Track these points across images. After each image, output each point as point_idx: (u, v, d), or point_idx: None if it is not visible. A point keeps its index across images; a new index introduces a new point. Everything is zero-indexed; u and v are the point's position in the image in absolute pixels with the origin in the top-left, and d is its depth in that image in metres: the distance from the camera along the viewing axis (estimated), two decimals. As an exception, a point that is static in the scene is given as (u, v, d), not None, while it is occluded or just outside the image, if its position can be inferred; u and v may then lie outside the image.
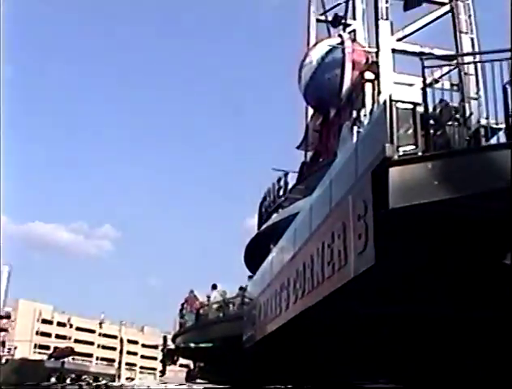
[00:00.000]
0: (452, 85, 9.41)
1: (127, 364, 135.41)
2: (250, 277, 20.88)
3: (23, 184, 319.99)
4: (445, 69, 11.75)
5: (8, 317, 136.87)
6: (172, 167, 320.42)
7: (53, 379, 73.63)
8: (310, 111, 30.25)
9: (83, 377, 77.55)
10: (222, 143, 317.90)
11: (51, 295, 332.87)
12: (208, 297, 23.35)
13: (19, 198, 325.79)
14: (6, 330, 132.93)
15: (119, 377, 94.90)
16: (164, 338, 30.43)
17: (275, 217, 25.03)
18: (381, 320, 10.31)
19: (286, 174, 26.58)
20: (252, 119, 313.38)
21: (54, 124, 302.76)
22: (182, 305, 25.91)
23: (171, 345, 28.38)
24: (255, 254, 23.19)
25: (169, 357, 28.67)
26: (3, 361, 78.76)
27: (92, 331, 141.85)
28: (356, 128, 14.37)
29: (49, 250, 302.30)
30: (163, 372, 35.72)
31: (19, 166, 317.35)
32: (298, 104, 31.21)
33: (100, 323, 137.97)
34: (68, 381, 75.15)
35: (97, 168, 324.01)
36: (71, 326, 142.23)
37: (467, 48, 24.51)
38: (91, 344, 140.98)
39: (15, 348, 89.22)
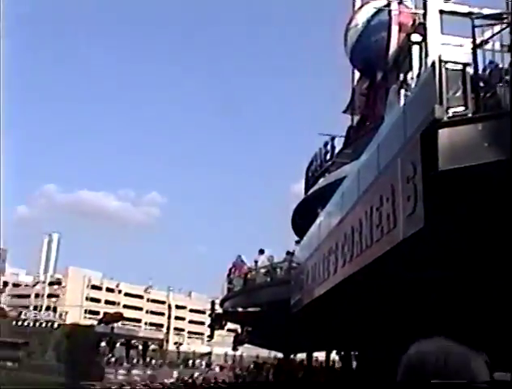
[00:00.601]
0: (502, 46, 9.20)
1: (175, 329, 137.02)
2: (298, 242, 20.91)
3: (72, 153, 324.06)
4: (496, 29, 11.51)
5: (59, 283, 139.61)
6: (216, 136, 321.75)
7: (103, 344, 74.85)
8: (357, 75, 29.98)
9: (133, 342, 78.63)
10: (266, 110, 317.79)
11: (100, 262, 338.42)
12: (256, 262, 23.40)
13: (67, 167, 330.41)
14: (57, 296, 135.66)
15: (167, 342, 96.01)
16: (212, 303, 30.59)
17: (322, 182, 24.93)
18: (429, 284, 10.26)
19: (333, 139, 26.42)
20: (298, 83, 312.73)
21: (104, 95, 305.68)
22: (230, 270, 26.04)
23: (219, 310, 28.58)
24: (302, 219, 23.19)
25: (217, 322, 28.88)
26: (55, 326, 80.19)
27: (141, 297, 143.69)
28: (403, 91, 14.20)
29: (98, 217, 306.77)
30: (211, 336, 36.02)
31: (67, 135, 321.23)
32: (344, 68, 30.98)
33: (148, 289, 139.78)
34: (118, 345, 76.33)
35: (143, 137, 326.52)
36: (120, 292, 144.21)
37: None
38: (140, 309, 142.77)
39: (66, 313, 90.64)
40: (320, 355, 32.63)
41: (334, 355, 30.89)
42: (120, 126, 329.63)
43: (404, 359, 1.60)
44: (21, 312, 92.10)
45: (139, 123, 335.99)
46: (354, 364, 24.37)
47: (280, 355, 35.69)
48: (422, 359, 1.54)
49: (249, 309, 21.50)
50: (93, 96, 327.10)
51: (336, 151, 25.60)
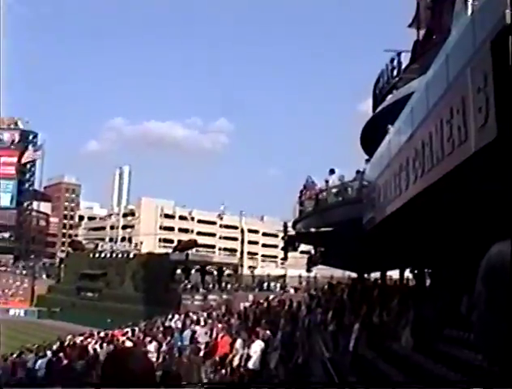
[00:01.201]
0: None
1: (249, 253, 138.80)
2: (367, 160, 20.77)
3: (137, 84, 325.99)
4: None
5: (132, 214, 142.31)
6: (282, 59, 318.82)
7: (178, 271, 76.29)
8: (422, -14, 29.16)
9: (207, 267, 79.96)
10: (331, 28, 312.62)
11: (171, 191, 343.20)
12: (326, 182, 23.35)
13: (133, 100, 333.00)
14: (131, 226, 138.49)
15: (242, 266, 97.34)
16: (285, 225, 30.70)
17: (389, 99, 24.57)
18: (503, 197, 10.11)
19: (399, 54, 25.87)
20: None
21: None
22: (301, 191, 26.07)
23: (291, 232, 28.70)
24: (372, 137, 22.98)
25: (290, 244, 29.07)
26: (131, 256, 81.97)
27: (213, 223, 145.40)
28: (470, 0, 13.76)
29: (166, 147, 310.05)
30: (284, 259, 36.36)
31: (132, 68, 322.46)
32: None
33: (221, 215, 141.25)
34: (193, 272, 77.72)
35: (209, 63, 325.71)
36: (193, 219, 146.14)
37: None
38: (213, 235, 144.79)
39: (141, 243, 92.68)
40: (394, 273, 32.70)
41: (407, 273, 30.95)
42: (184, 53, 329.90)
43: (484, 260, 1.59)
44: (97, 244, 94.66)
45: (204, 50, 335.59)
46: (428, 281, 24.39)
47: (354, 275, 35.86)
48: (503, 259, 1.53)
49: (322, 230, 21.58)
50: (153, 26, 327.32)
51: (403, 66, 25.11)
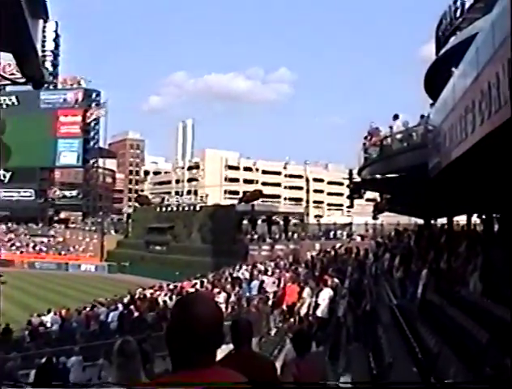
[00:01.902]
0: None
1: (314, 202, 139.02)
2: (432, 105, 20.39)
3: (197, 37, 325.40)
4: None
5: (197, 167, 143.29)
6: (343, 4, 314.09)
7: (244, 222, 76.71)
8: None
9: (273, 217, 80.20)
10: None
11: (235, 142, 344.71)
12: (391, 128, 23.01)
13: (194, 53, 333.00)
14: (196, 179, 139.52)
15: (307, 215, 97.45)
16: (350, 172, 30.44)
17: (453, 40, 23.98)
18: None
19: (462, -6, 25.21)
20: None
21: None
22: (365, 138, 25.76)
23: (357, 179, 28.48)
24: (435, 81, 22.54)
25: (356, 192, 28.85)
26: (197, 208, 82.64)
27: (278, 173, 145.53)
28: None
29: (229, 99, 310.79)
30: (350, 207, 36.14)
31: (191, 21, 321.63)
32: None
33: (285, 165, 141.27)
34: (259, 222, 78.07)
35: (268, 12, 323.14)
36: (257, 170, 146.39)
37: None
38: (278, 185, 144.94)
39: (207, 195, 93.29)
40: (461, 219, 32.29)
41: (475, 218, 30.51)
42: (242, 2, 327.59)
43: None
44: (164, 198, 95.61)
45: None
46: (496, 226, 23.99)
47: (420, 221, 35.55)
48: None
49: (387, 176, 21.35)
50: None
51: (466, 6, 24.43)
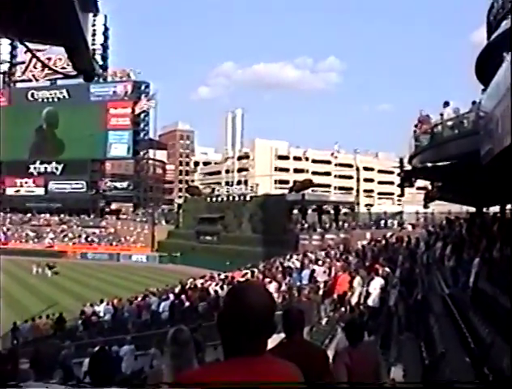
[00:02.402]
0: None
1: (364, 191, 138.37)
2: (483, 90, 20.09)
3: (245, 27, 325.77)
4: None
5: (247, 157, 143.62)
6: None
7: (295, 211, 76.68)
8: None
9: (324, 207, 80.00)
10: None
11: (284, 132, 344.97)
12: (441, 115, 22.71)
13: (242, 43, 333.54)
14: (246, 169, 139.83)
15: (358, 204, 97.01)
16: (400, 160, 30.17)
17: (505, 24, 23.59)
18: None
19: (514, -24, 24.70)
20: None
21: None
22: (415, 126, 25.48)
23: (407, 167, 28.22)
24: (487, 67, 22.20)
25: (406, 180, 28.56)
26: (247, 198, 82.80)
27: (328, 162, 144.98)
28: None
29: (277, 88, 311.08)
30: (401, 195, 35.83)
31: (238, 12, 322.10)
32: None
33: (335, 153, 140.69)
34: (309, 212, 77.95)
35: (314, 1, 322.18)
36: (307, 159, 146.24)
37: None
38: (328, 174, 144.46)
39: (257, 185, 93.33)
40: (514, 207, 31.85)
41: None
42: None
43: None
44: (214, 188, 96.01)
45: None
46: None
47: (472, 209, 35.10)
48: None
49: (439, 164, 21.11)
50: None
51: (519, -11, 23.97)
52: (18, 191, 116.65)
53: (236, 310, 2.54)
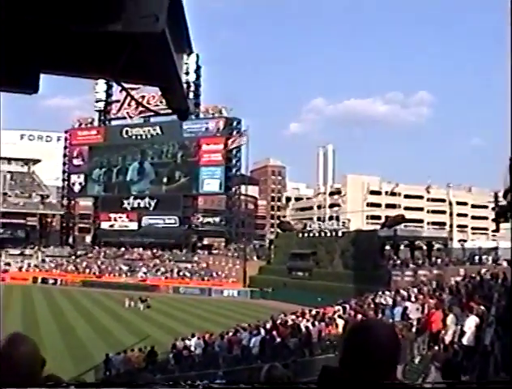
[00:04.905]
0: None
1: (458, 226, 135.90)
2: None
3: (336, 63, 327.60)
4: None
5: (338, 192, 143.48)
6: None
7: (387, 247, 75.91)
8: None
9: (416, 242, 78.91)
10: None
11: (376, 166, 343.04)
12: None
13: (332, 79, 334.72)
14: (338, 205, 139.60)
15: (451, 239, 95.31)
16: (495, 195, 29.64)
17: None
18: None
19: None
20: None
21: None
22: (511, 160, 24.97)
23: (502, 202, 27.63)
24: None
25: (502, 215, 27.99)
26: (339, 234, 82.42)
27: (420, 197, 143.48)
28: None
29: (368, 124, 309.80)
30: (496, 231, 35.06)
31: (327, 47, 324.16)
32: None
33: (428, 188, 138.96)
34: (402, 247, 77.04)
35: (404, 37, 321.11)
36: (399, 194, 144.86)
37: None
38: (421, 209, 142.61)
39: (349, 220, 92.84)
40: None
41: None
42: (380, 30, 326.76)
43: None
44: (306, 224, 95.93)
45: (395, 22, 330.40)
46: None
47: None
48: None
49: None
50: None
51: None
52: (112, 226, 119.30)
53: (360, 346, 2.49)
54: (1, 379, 2.75)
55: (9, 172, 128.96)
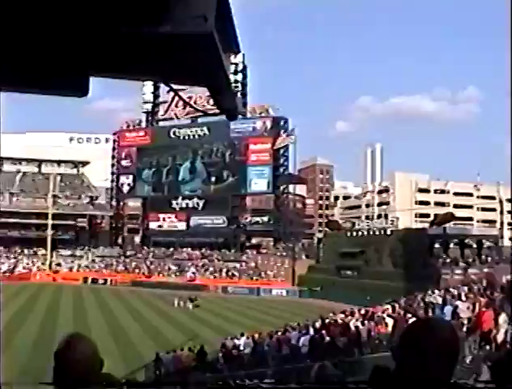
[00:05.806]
0: None
1: (509, 224, 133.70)
2: None
3: (381, 61, 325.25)
4: None
5: (387, 190, 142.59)
6: None
7: (436, 246, 75.18)
8: None
9: (466, 241, 78.05)
10: None
11: (425, 164, 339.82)
12: None
13: (379, 76, 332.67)
14: (386, 203, 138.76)
15: (502, 237, 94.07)
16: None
17: None
18: None
19: None
20: None
21: None
22: (561, 157, 24.61)
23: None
24: None
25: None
26: (388, 232, 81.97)
27: (470, 195, 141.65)
28: None
29: (415, 121, 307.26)
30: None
31: (375, 45, 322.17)
32: None
33: (477, 185, 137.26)
34: (451, 246, 76.26)
35: (450, 31, 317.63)
36: (448, 192, 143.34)
37: None
38: (470, 207, 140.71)
39: (397, 219, 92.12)
40: None
41: None
42: (426, 26, 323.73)
43: None
44: (354, 223, 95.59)
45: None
46: None
47: None
48: None
49: None
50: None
51: None
52: (161, 226, 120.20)
53: (420, 347, 2.46)
54: (60, 378, 2.80)
55: (59, 174, 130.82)
